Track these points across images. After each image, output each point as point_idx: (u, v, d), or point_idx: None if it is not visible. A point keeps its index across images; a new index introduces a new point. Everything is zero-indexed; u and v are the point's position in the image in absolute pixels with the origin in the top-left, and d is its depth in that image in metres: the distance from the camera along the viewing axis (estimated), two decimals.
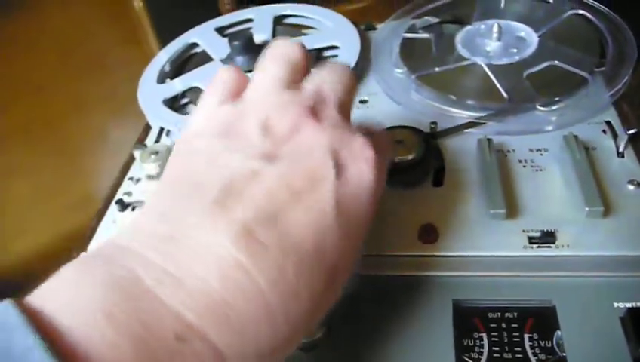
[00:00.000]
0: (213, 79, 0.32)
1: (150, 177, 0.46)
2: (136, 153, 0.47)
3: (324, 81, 0.31)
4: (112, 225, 0.44)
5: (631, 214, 0.36)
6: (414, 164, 0.40)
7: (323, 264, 0.25)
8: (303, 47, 0.32)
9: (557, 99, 0.44)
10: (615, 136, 0.42)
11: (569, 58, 0.46)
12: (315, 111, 0.28)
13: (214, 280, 0.22)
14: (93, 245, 0.43)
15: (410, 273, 0.36)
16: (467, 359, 0.32)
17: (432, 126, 0.44)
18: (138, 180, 0.47)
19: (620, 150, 0.41)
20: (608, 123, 0.43)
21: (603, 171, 0.39)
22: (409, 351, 0.32)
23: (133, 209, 0.45)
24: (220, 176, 0.26)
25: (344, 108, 0.31)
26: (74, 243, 0.44)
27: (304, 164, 0.26)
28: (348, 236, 0.26)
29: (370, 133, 0.30)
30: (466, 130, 0.44)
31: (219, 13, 0.69)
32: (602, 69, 0.46)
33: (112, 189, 0.48)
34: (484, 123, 0.43)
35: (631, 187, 0.38)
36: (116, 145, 0.72)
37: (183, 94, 0.53)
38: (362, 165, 0.27)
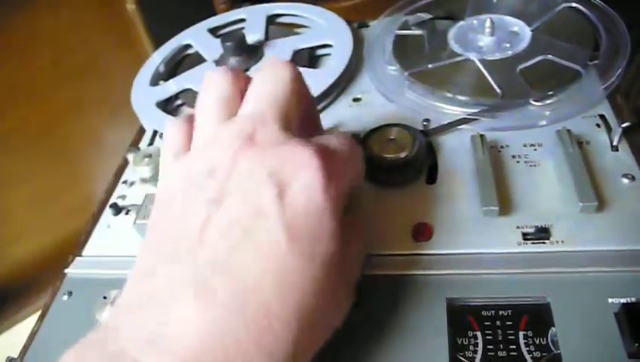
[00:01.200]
0: (165, 134, 0.32)
1: (143, 180, 0.46)
2: (130, 156, 0.47)
3: (260, 97, 0.30)
4: (107, 230, 0.44)
5: (625, 208, 0.36)
6: (407, 162, 0.40)
7: (292, 295, 0.25)
8: (233, 71, 0.32)
9: (550, 93, 0.44)
10: (609, 129, 0.42)
11: (562, 52, 0.46)
12: (251, 136, 0.28)
13: (190, 339, 0.24)
14: (88, 250, 0.43)
15: (403, 272, 0.36)
16: (461, 358, 0.32)
17: (425, 123, 0.43)
18: (132, 183, 0.47)
19: (614, 143, 0.40)
20: (602, 116, 0.43)
21: (597, 165, 0.39)
22: (403, 351, 0.32)
23: (127, 213, 0.44)
24: (179, 231, 0.27)
25: (288, 117, 0.29)
26: (70, 248, 0.44)
27: (247, 197, 0.26)
28: (311, 257, 0.26)
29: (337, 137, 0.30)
30: (460, 127, 0.44)
31: (213, 13, 0.69)
32: (596, 62, 0.46)
33: (107, 193, 0.48)
34: (476, 119, 0.43)
35: (625, 181, 0.38)
36: (111, 148, 0.72)
37: (177, 96, 0.53)
38: (307, 176, 0.26)
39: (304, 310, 0.25)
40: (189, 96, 0.52)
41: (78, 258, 0.43)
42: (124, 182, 0.48)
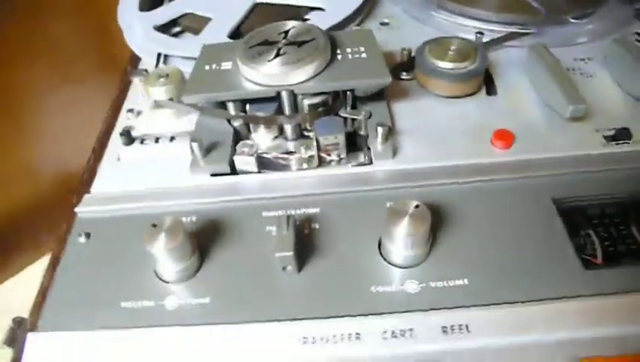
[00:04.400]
0: None
1: (158, 105, 0.39)
2: (139, 79, 0.39)
3: None
4: (117, 163, 0.37)
5: None
6: (470, 72, 0.37)
7: None
8: None
9: (588, 11, 0.43)
10: None
11: None
12: None
13: None
14: (97, 186, 0.35)
15: (498, 176, 0.33)
16: (584, 256, 0.29)
17: (478, 36, 0.41)
18: (139, 113, 0.40)
19: None
20: (638, 34, 0.43)
21: None
22: (528, 257, 0.29)
23: (142, 142, 0.37)
24: None
25: None
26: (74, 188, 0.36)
27: None
28: None
29: None
30: (506, 44, 0.42)
31: None
32: None
33: (106, 124, 0.40)
34: (527, 33, 0.42)
35: None
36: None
37: (174, 22, 0.46)
38: None
39: None
40: (190, 20, 0.46)
41: (87, 195, 0.35)
42: (130, 110, 0.40)
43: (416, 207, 0.28)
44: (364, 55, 0.36)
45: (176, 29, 0.46)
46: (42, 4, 0.60)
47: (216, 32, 0.43)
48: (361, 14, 0.45)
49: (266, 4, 0.46)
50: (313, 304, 0.28)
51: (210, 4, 0.46)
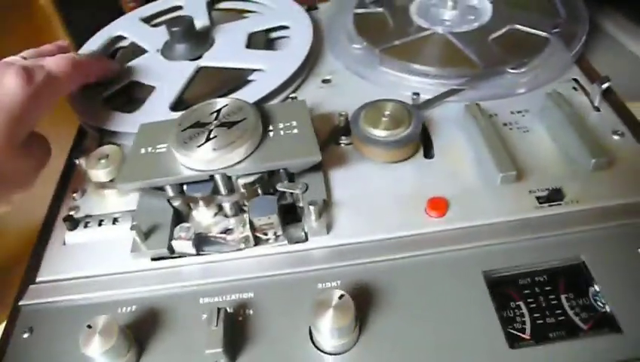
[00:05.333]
0: None
1: (100, 185, 0.39)
2: (80, 161, 0.40)
3: None
4: (62, 248, 0.37)
5: (627, 163, 0.36)
6: (404, 139, 0.37)
7: None
8: None
9: (525, 60, 0.44)
10: (587, 92, 0.42)
11: (527, 21, 0.46)
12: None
13: None
14: (43, 275, 0.36)
15: (430, 251, 0.33)
16: (512, 331, 0.30)
17: (414, 97, 0.41)
18: (84, 193, 0.40)
19: (596, 104, 0.41)
20: (576, 80, 0.43)
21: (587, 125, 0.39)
22: (454, 336, 0.30)
23: (86, 225, 0.38)
24: None
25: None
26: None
27: None
28: None
29: None
30: (443, 100, 0.42)
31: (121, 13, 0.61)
32: (558, 30, 0.46)
33: (51, 207, 0.40)
34: (463, 89, 0.42)
35: (616, 137, 0.38)
36: None
37: (122, 91, 0.47)
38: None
39: None
40: (136, 89, 0.46)
41: (31, 286, 0.35)
42: (75, 191, 0.40)
43: (341, 297, 0.29)
44: (295, 131, 0.36)
45: (124, 99, 0.47)
46: None
47: (159, 103, 0.43)
48: (302, 74, 0.46)
49: (210, 67, 0.46)
50: None
51: (155, 71, 0.46)
